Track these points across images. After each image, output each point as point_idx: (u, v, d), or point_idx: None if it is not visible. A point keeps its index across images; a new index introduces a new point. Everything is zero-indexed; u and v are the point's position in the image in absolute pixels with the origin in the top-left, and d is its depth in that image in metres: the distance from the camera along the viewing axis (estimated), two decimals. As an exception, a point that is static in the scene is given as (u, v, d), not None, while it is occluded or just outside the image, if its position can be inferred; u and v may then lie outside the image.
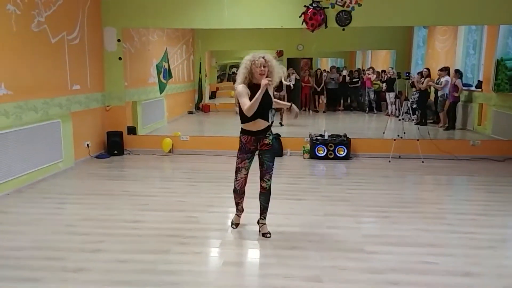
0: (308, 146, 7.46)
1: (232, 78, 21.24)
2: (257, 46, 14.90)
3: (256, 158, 3.89)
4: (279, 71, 3.68)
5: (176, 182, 6.03)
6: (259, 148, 3.79)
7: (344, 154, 7.34)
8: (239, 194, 3.98)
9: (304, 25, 7.30)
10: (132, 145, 7.82)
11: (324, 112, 13.78)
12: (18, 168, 5.33)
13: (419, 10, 7.22)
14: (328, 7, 7.24)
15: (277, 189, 5.47)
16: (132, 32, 8.82)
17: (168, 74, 9.53)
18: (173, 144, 7.72)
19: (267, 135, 3.77)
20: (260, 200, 3.94)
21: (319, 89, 13.89)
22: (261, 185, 3.87)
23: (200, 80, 14.56)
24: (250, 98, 3.53)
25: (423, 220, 4.42)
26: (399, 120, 7.84)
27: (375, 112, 13.54)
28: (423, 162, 7.11)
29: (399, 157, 7.39)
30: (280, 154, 7.55)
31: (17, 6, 5.29)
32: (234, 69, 22.84)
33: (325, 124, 11.45)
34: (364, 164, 7.07)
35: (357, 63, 17.93)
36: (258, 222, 4.05)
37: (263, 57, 3.56)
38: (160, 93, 9.39)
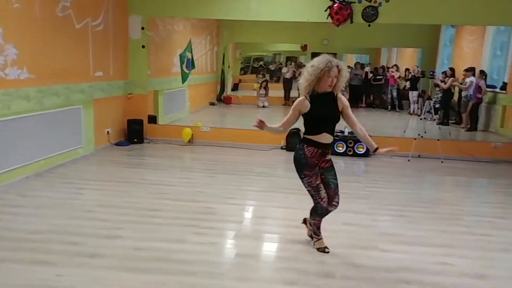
0: (327, 142, 7.41)
1: (256, 70, 21.20)
2: (282, 39, 14.90)
3: None
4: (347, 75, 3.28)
5: (196, 172, 6.08)
6: (320, 164, 3.33)
7: (364, 152, 7.26)
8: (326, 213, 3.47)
9: (330, 20, 7.24)
10: (153, 134, 7.93)
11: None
12: (38, 152, 5.41)
13: (447, 8, 7.05)
14: (354, 2, 7.15)
15: (296, 183, 5.45)
16: (157, 21, 8.89)
17: (191, 64, 9.58)
18: (192, 134, 7.78)
19: (328, 151, 3.36)
20: None
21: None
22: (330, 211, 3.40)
23: (223, 71, 14.59)
24: (311, 110, 3.19)
25: (440, 220, 4.37)
26: (421, 119, 7.72)
27: (398, 110, 13.34)
28: (442, 162, 6.99)
29: (419, 156, 7.28)
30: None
31: (42, -11, 5.32)
32: (261, 62, 22.79)
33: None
34: (383, 163, 6.99)
35: (382, 60, 17.69)
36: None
37: (337, 66, 3.14)
38: (183, 82, 9.46)
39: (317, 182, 3.29)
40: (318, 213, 3.42)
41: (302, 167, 3.29)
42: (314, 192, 3.32)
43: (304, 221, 3.76)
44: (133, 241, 3.59)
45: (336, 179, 3.37)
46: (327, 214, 3.45)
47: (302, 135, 3.40)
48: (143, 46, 7.75)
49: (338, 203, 3.39)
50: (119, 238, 3.65)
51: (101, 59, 6.86)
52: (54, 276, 2.99)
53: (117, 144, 7.36)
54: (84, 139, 6.39)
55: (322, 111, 3.22)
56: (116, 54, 7.30)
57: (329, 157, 3.36)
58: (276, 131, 3.33)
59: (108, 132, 7.22)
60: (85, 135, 6.42)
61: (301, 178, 3.34)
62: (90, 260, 3.23)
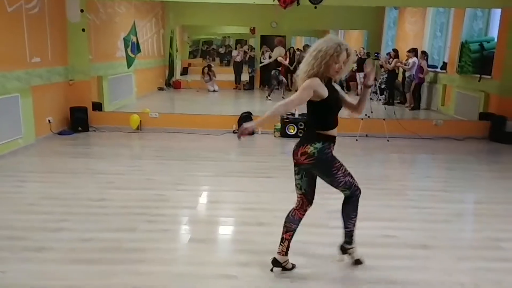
0: (279, 125, 7.47)
1: (205, 54, 20.84)
2: (230, 21, 14.76)
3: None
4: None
5: (145, 160, 5.94)
6: None
7: (313, 133, 7.38)
8: None
9: (277, 2, 7.23)
10: (98, 122, 7.62)
11: (296, 91, 13.77)
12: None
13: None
14: (300, -16, 7.18)
15: (248, 167, 5.53)
16: (98, 3, 8.48)
17: (137, 48, 9.26)
18: (141, 121, 7.56)
19: None
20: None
21: (291, 68, 13.85)
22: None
23: (171, 55, 14.22)
24: (330, 98, 2.75)
25: (386, 196, 4.56)
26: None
27: (346, 91, 13.67)
28: (388, 140, 7.27)
29: (366, 136, 7.52)
30: (252, 132, 7.54)
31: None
32: (212, 46, 22.47)
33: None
34: (332, 143, 7.15)
35: (329, 43, 17.96)
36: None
37: (346, 49, 2.69)
38: (128, 67, 9.14)
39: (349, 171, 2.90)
40: (357, 204, 3.04)
41: (331, 163, 2.90)
42: (351, 179, 2.92)
43: (343, 250, 3.14)
44: (80, 233, 3.46)
45: None
46: None
47: (314, 132, 2.91)
48: (83, 30, 7.37)
49: None
50: (65, 230, 3.50)
51: (38, 44, 6.44)
52: (-3, 273, 2.84)
53: (60, 134, 7.02)
54: (23, 129, 6.02)
55: (336, 99, 2.83)
56: (54, 38, 6.88)
57: None
58: (277, 113, 2.78)
59: (49, 121, 6.85)
60: (25, 124, 6.05)
61: (333, 176, 2.90)
62: (36, 254, 3.10)
